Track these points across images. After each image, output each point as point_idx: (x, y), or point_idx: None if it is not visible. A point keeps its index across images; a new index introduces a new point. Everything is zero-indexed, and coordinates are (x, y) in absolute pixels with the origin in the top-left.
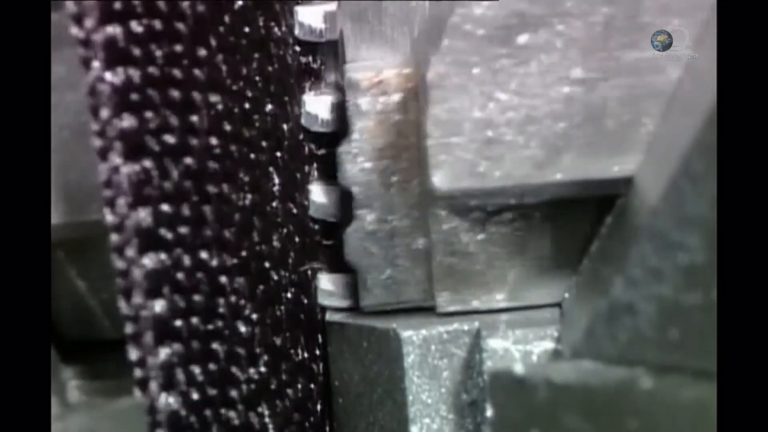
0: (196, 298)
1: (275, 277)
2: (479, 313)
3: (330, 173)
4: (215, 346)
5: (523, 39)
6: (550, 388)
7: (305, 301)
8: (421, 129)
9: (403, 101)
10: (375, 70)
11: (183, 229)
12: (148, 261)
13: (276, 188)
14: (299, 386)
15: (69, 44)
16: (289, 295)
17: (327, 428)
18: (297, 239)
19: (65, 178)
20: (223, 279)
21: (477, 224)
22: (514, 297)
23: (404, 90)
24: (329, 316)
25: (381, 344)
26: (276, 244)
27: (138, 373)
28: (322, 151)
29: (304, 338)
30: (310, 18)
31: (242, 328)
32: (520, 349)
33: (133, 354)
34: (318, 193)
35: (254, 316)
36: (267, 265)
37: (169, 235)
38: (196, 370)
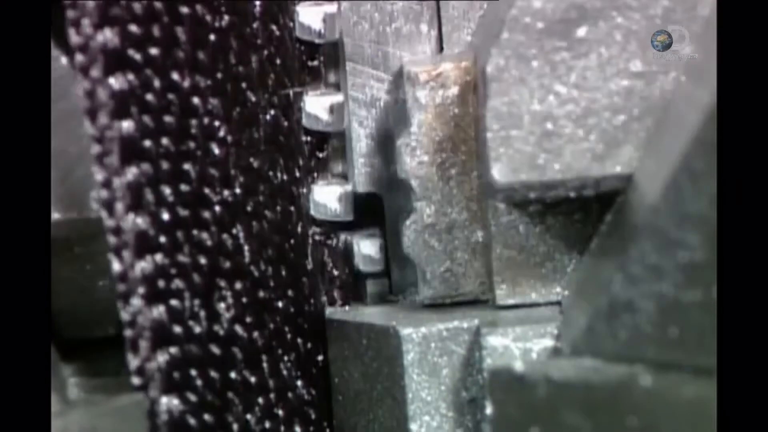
0: (167, 118)
1: (253, 99)
2: (539, 306)
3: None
4: (187, 166)
5: (582, 32)
6: (550, 386)
7: (285, 123)
8: (479, 122)
9: (462, 94)
10: (433, 63)
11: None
12: (114, 81)
13: (257, 9)
14: (278, 209)
15: None
16: (268, 117)
17: (327, 426)
18: (278, 61)
19: (64, 175)
20: (196, 100)
21: (536, 217)
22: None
23: (462, 83)
24: (329, 314)
25: (380, 342)
26: (255, 65)
27: (104, 194)
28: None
29: (283, 160)
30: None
31: (216, 150)
32: (519, 346)
33: (99, 175)
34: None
35: (229, 138)
36: (244, 86)
37: (137, 56)
38: (167, 190)
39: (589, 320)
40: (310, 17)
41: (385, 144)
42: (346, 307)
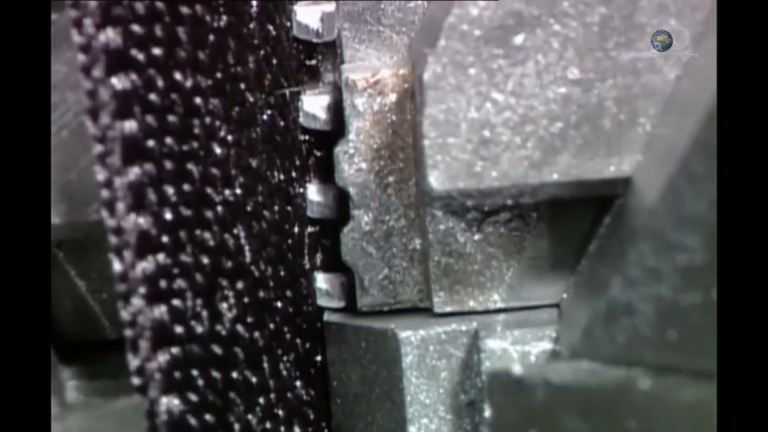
0: (169, 118)
1: (251, 99)
2: (476, 314)
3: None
4: (189, 166)
5: (519, 39)
6: (548, 389)
7: (281, 123)
8: (417, 129)
9: (400, 101)
10: (371, 70)
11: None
12: (117, 81)
13: (254, 9)
14: (276, 209)
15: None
16: (265, 117)
17: (325, 428)
18: (275, 61)
19: (65, 179)
20: (197, 100)
21: (473, 224)
22: (511, 297)
23: (400, 90)
24: (327, 317)
25: (379, 345)
26: (252, 66)
27: (105, 194)
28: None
29: (280, 160)
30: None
31: (217, 150)
32: (518, 349)
33: (101, 175)
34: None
35: (229, 138)
36: (242, 86)
37: (139, 56)
38: (169, 190)
39: (587, 323)
40: (307, 17)
41: None
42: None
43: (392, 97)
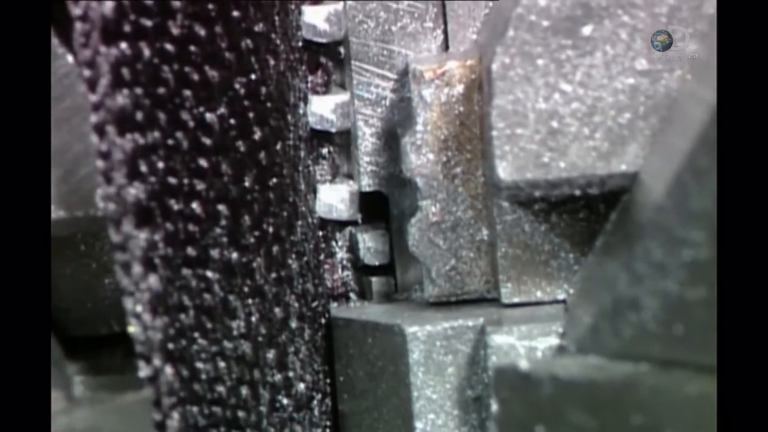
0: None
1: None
2: (545, 304)
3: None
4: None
5: (587, 30)
6: (555, 384)
7: (292, 121)
8: (485, 120)
9: (467, 92)
10: (438, 61)
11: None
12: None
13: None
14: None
15: None
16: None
17: (332, 424)
18: (284, 57)
19: (66, 174)
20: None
21: (541, 215)
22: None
23: (468, 81)
24: (334, 312)
25: (386, 340)
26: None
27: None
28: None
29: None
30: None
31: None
32: (524, 344)
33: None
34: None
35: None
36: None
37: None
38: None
39: (594, 318)
40: (315, 17)
41: (391, 143)
42: (352, 305)
43: (459, 88)
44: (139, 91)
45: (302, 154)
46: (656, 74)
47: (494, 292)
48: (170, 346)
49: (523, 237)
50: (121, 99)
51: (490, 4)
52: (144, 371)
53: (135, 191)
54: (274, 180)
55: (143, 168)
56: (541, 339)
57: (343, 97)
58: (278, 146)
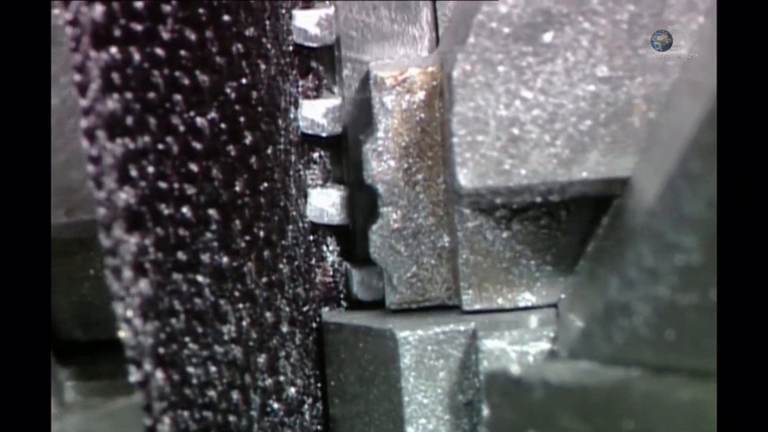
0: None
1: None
2: (506, 311)
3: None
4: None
5: (548, 37)
6: (546, 389)
7: (283, 125)
8: (446, 127)
9: (428, 99)
10: (399, 68)
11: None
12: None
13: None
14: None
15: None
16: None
17: (323, 428)
18: (275, 61)
19: (64, 179)
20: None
21: (502, 222)
22: (540, 295)
23: (429, 88)
24: (325, 317)
25: (377, 345)
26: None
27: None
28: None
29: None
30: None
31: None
32: (516, 349)
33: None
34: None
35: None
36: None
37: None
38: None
39: (585, 323)
40: (306, 21)
41: None
42: (343, 310)
43: (421, 95)
44: (129, 95)
45: (293, 158)
46: (617, 81)
47: (455, 299)
48: (161, 350)
49: (484, 244)
50: (111, 103)
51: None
52: (135, 376)
53: (125, 196)
54: (265, 184)
55: (134, 172)
56: (533, 344)
57: (334, 101)
58: (269, 151)
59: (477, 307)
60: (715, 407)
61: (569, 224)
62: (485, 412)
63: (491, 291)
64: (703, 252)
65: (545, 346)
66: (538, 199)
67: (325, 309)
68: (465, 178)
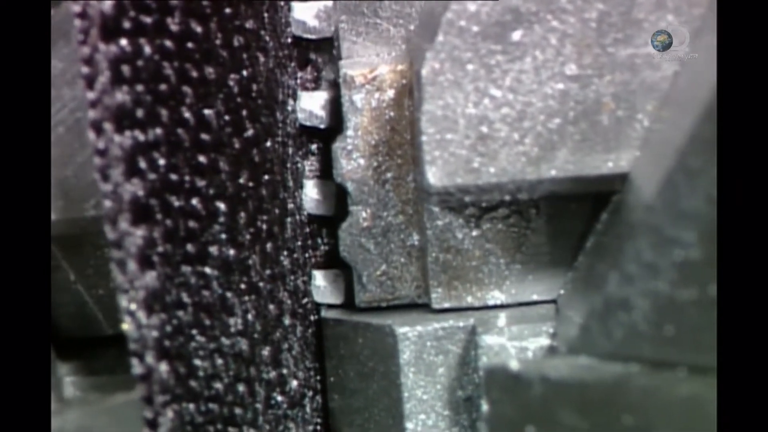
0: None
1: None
2: (474, 310)
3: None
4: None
5: (517, 35)
6: (546, 384)
7: (282, 120)
8: (415, 125)
9: (398, 97)
10: (369, 66)
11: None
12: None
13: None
14: (276, 202)
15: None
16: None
17: (323, 424)
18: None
19: (62, 175)
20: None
21: (472, 220)
22: (509, 293)
23: (399, 86)
24: (324, 313)
25: (376, 340)
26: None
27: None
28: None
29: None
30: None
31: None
32: (515, 345)
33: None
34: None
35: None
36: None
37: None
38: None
39: (584, 319)
40: (304, 13)
41: None
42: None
43: (390, 93)
44: (140, 88)
45: (291, 150)
46: (586, 79)
47: (425, 297)
48: (166, 343)
49: (453, 242)
50: (120, 96)
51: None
52: (137, 369)
53: (133, 188)
54: (266, 177)
55: (142, 165)
56: (532, 339)
57: (332, 93)
58: (268, 143)
59: (446, 305)
60: (715, 402)
61: (538, 223)
62: (484, 407)
63: (461, 289)
64: (702, 247)
65: (544, 341)
66: (507, 198)
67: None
68: (434, 176)
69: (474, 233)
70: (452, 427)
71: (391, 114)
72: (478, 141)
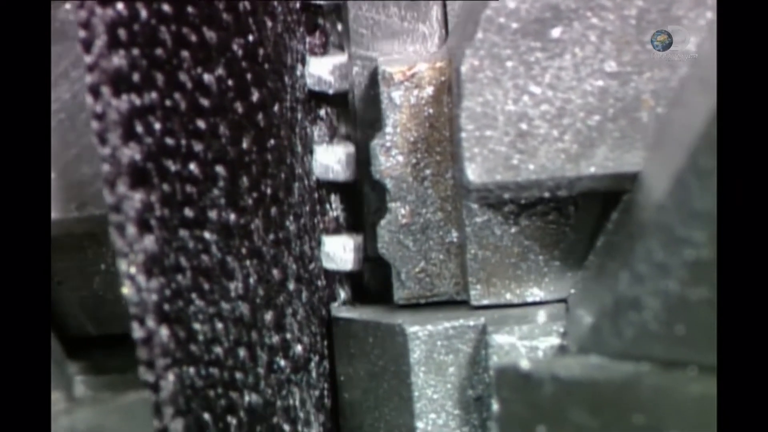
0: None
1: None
2: (513, 306)
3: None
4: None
5: (556, 32)
6: (556, 384)
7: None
8: (454, 122)
9: (436, 94)
10: (408, 63)
11: None
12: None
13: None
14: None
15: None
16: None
17: (333, 424)
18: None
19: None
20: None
21: (510, 217)
22: (548, 290)
23: (437, 83)
24: (335, 312)
25: (387, 340)
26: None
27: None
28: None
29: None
30: None
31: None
32: (525, 344)
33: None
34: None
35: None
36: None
37: None
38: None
39: (595, 318)
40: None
41: None
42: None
43: (429, 90)
44: (136, 52)
45: (299, 115)
46: (625, 76)
47: (464, 294)
48: (166, 307)
49: (492, 239)
50: (117, 60)
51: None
52: (138, 332)
53: (130, 152)
54: (272, 141)
55: (139, 129)
56: (542, 339)
57: (341, 58)
58: (275, 108)
59: (485, 302)
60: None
61: (577, 219)
62: (495, 407)
63: (499, 286)
64: (713, 246)
65: (555, 341)
66: (547, 195)
67: (335, 303)
68: (473, 173)
69: (513, 230)
70: (463, 427)
71: (430, 111)
72: (517, 138)
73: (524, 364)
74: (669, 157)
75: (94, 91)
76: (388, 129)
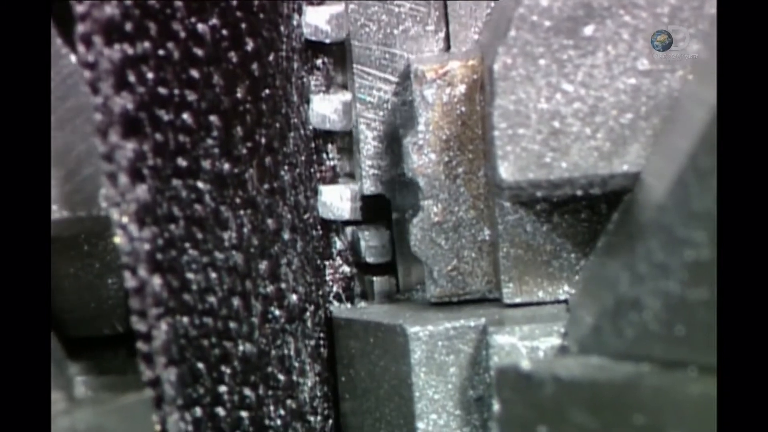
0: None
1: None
2: (546, 304)
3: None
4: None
5: (589, 30)
6: (557, 384)
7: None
8: (487, 120)
9: (469, 92)
10: (440, 61)
11: None
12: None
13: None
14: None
15: None
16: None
17: (333, 424)
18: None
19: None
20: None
21: (543, 215)
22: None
23: (470, 81)
24: (336, 313)
25: (388, 340)
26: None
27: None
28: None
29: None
30: None
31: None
32: (526, 344)
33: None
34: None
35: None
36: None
37: None
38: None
39: (596, 319)
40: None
41: (392, 146)
42: (353, 305)
43: (461, 88)
44: (128, 2)
45: (295, 65)
46: (658, 74)
47: (496, 293)
48: (159, 256)
49: (524, 237)
50: (109, 9)
51: (492, 4)
52: (130, 282)
53: (122, 101)
54: (267, 91)
55: (132, 78)
56: (543, 339)
57: (338, 8)
58: (271, 57)
59: (518, 300)
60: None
61: (610, 217)
62: (496, 407)
63: (532, 284)
64: (713, 247)
65: (556, 341)
66: (579, 193)
67: (336, 304)
68: (506, 171)
69: (545, 228)
70: (463, 427)
71: (463, 109)
72: (550, 136)
73: (525, 364)
74: (669, 157)
75: (86, 41)
76: (421, 127)
